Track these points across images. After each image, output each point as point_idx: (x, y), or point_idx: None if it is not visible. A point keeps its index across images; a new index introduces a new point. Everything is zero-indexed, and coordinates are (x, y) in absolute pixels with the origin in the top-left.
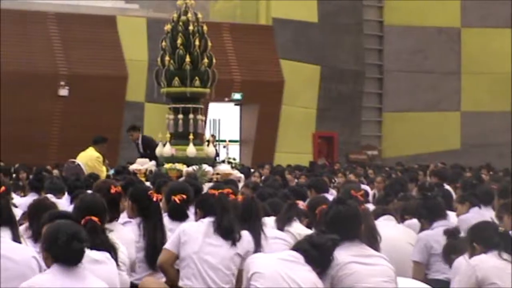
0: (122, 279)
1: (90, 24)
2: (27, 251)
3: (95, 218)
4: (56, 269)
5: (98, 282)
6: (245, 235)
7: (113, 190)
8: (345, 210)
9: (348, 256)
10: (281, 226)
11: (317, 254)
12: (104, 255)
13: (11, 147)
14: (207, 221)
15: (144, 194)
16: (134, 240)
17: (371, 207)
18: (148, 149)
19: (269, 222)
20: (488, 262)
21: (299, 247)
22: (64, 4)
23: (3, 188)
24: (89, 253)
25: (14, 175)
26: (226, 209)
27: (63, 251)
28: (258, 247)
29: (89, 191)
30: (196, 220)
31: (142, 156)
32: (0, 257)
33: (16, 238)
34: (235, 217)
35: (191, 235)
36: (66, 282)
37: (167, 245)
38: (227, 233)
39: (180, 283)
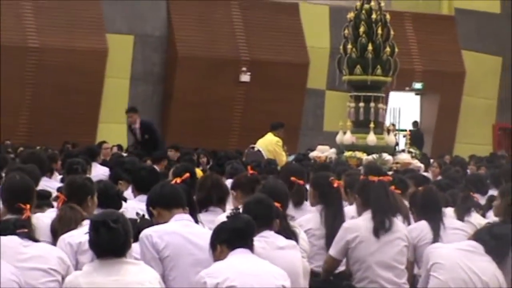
0: (304, 266)
1: (273, 10)
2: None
3: (277, 204)
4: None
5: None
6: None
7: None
8: None
9: None
10: (460, 216)
11: (495, 244)
12: (289, 242)
13: (192, 131)
14: (368, 217)
15: (325, 181)
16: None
17: None
18: (147, 134)
19: (450, 212)
20: None
21: (478, 237)
22: None
23: (187, 174)
24: (275, 240)
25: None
26: (381, 198)
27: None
28: (436, 238)
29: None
30: (359, 210)
31: (139, 142)
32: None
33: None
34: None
35: (362, 235)
36: (248, 263)
37: (333, 252)
38: (384, 225)
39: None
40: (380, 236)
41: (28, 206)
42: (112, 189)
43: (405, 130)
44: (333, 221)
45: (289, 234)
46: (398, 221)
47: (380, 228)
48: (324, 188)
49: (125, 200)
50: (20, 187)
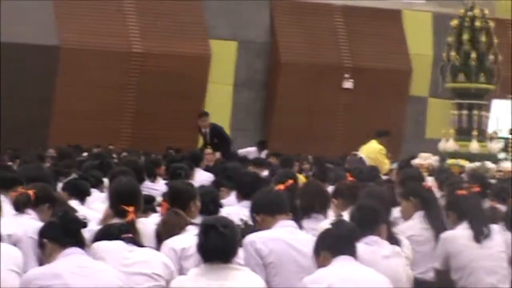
0: (407, 274)
1: (376, 17)
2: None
3: None
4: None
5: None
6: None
7: None
8: None
9: None
10: None
11: None
12: (394, 249)
13: (294, 138)
14: (465, 227)
15: (421, 188)
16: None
17: None
18: (217, 138)
19: None
20: None
21: None
22: None
23: (290, 181)
24: (380, 248)
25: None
26: (477, 207)
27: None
28: None
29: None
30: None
31: (207, 145)
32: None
33: None
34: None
35: (461, 243)
36: (351, 270)
37: (437, 264)
38: (483, 231)
39: None
40: (481, 242)
41: (131, 208)
42: (208, 195)
43: (507, 138)
44: (439, 222)
45: (393, 240)
46: (495, 228)
47: (479, 234)
48: (422, 195)
49: (221, 206)
50: (124, 189)
